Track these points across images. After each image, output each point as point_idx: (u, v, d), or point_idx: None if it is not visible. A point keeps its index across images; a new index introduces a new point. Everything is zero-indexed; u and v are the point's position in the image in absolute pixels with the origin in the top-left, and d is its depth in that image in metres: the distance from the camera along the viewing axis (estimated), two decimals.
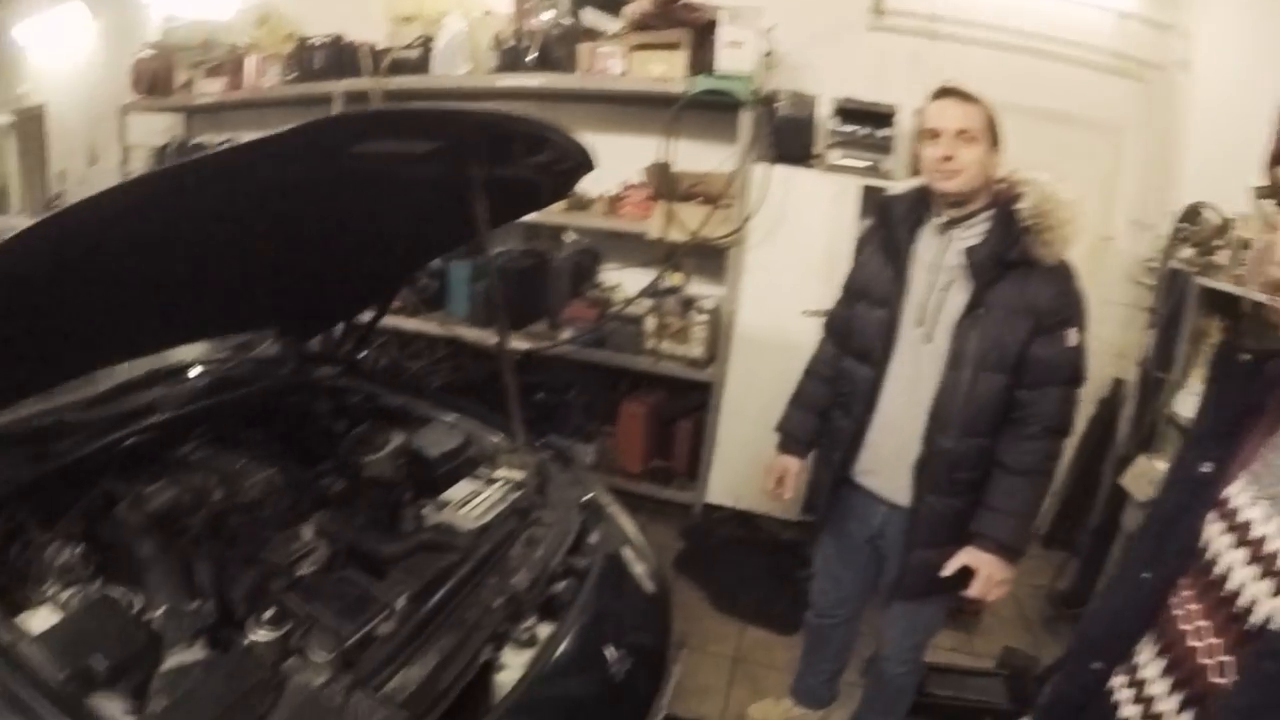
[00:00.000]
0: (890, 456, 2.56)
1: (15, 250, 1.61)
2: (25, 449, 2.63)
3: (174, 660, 2.05)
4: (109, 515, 2.50)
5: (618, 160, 4.14)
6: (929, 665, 3.09)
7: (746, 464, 4.40)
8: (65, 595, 2.22)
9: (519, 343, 4.57)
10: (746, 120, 4.14)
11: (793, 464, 2.89)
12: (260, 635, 2.06)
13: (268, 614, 2.09)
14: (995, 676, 3.40)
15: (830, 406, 2.77)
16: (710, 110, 4.27)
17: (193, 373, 3.36)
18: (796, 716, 3.28)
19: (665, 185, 4.26)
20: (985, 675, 3.41)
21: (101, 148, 7.21)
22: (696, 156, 4.39)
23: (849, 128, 4.07)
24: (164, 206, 1.73)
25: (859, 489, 2.70)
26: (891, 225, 2.54)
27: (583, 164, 2.71)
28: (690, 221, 4.20)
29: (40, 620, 2.11)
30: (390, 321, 4.91)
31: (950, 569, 2.49)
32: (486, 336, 4.72)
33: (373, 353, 5.05)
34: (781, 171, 4.07)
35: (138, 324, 2.59)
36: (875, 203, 2.67)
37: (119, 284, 2.11)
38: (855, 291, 2.65)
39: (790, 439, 2.90)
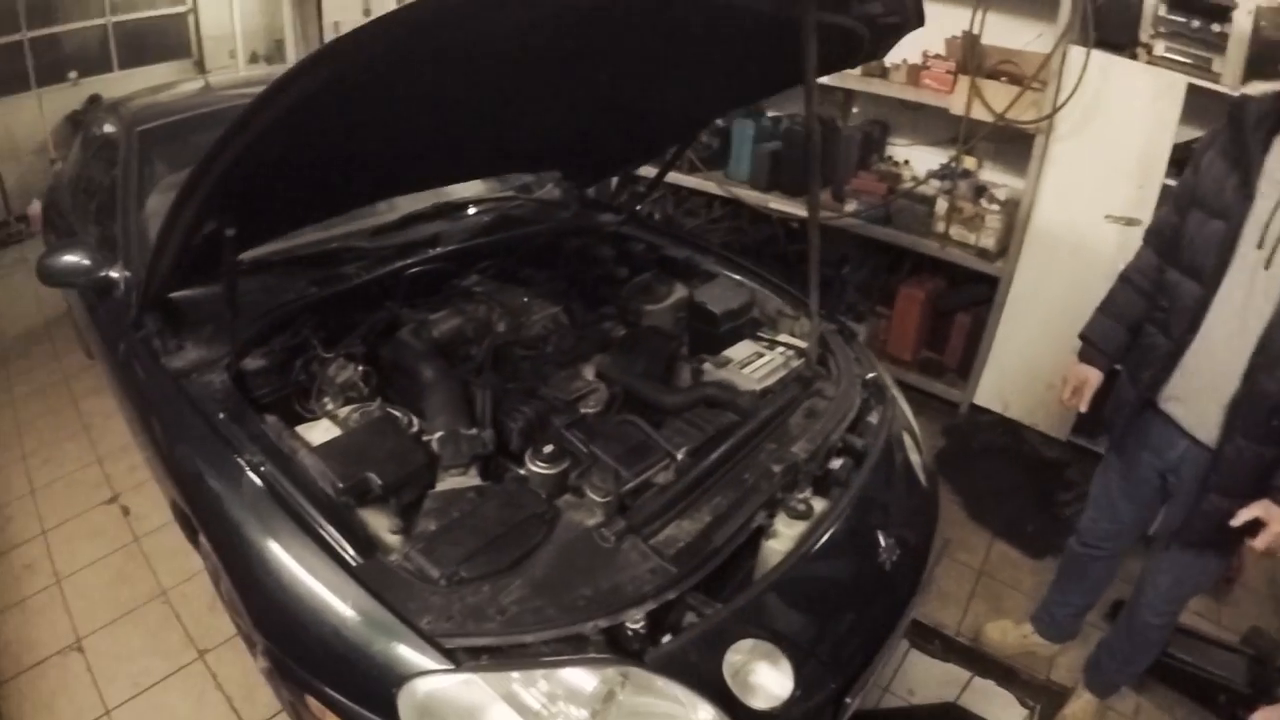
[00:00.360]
0: (1204, 387, 2.21)
1: (316, 67, 1.57)
2: (314, 271, 2.74)
3: (448, 483, 2.08)
4: (392, 338, 2.59)
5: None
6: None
7: (1022, 370, 4.14)
8: (344, 411, 2.30)
9: (798, 210, 4.42)
10: None
11: (1093, 376, 2.55)
12: (538, 468, 2.07)
13: (547, 448, 2.09)
14: (1238, 654, 3.05)
15: (1143, 320, 2.42)
16: None
17: (476, 209, 3.41)
18: (1032, 645, 3.07)
19: (972, 59, 3.90)
20: (1229, 650, 3.06)
21: (376, 0, 7.38)
22: (1007, 32, 3.97)
23: (1179, 17, 3.53)
24: (477, 24, 1.63)
25: (1161, 416, 2.37)
26: (1242, 131, 2.14)
27: (910, 20, 2.47)
28: (996, 101, 3.78)
29: (319, 433, 2.19)
30: (668, 176, 4.88)
31: (1241, 519, 2.16)
32: (766, 200, 4.56)
33: (647, 206, 5.01)
34: (1099, 58, 3.59)
35: (427, 156, 2.59)
36: (1228, 104, 2.28)
37: (412, 112, 2.08)
38: (1191, 199, 2.28)
39: (1093, 349, 2.56)
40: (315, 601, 1.78)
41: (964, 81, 3.89)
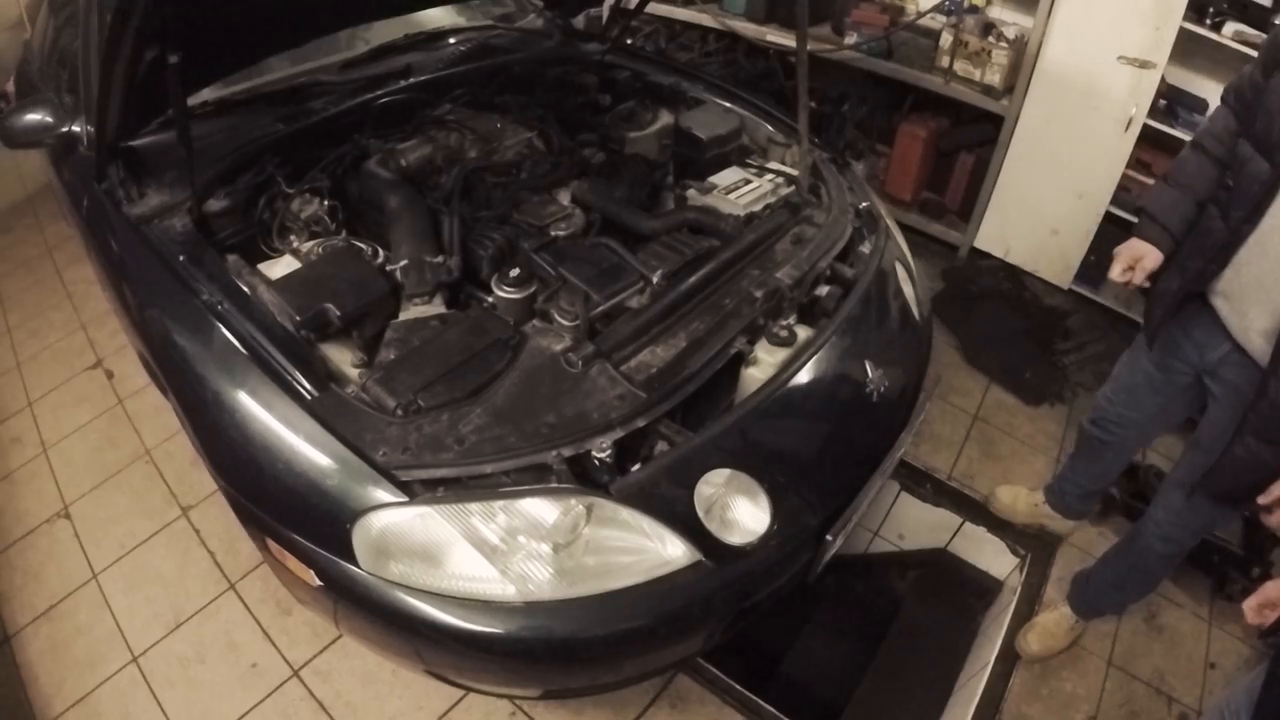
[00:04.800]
0: (1255, 286, 1.92)
1: None
2: (281, 109, 2.64)
3: (411, 312, 2.01)
4: (359, 170, 2.47)
5: None
6: None
7: (1025, 214, 4.01)
8: (307, 246, 2.21)
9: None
10: None
11: (1150, 255, 2.16)
12: (504, 293, 1.99)
13: (514, 272, 2.00)
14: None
15: (1212, 195, 2.08)
16: None
17: (453, 40, 3.26)
18: (1043, 515, 2.95)
19: None
20: None
21: None
22: None
23: None
24: None
25: (1208, 310, 2.09)
26: None
27: None
28: None
29: (280, 269, 2.10)
30: (659, 9, 4.66)
31: (1273, 495, 1.88)
32: (762, 33, 4.33)
33: (639, 40, 4.84)
34: None
35: None
36: None
37: None
38: (1276, 60, 1.92)
39: (1153, 223, 2.18)
40: (270, 439, 1.73)
41: None
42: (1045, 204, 3.88)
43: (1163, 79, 3.38)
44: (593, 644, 1.65)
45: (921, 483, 3.08)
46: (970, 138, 4.14)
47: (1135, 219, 2.35)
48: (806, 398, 1.98)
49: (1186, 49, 3.32)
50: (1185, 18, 3.23)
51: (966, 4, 3.91)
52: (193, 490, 2.99)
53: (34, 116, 2.66)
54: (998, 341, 3.76)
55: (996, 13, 4.03)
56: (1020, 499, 2.99)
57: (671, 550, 1.66)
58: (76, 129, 2.62)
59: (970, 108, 3.96)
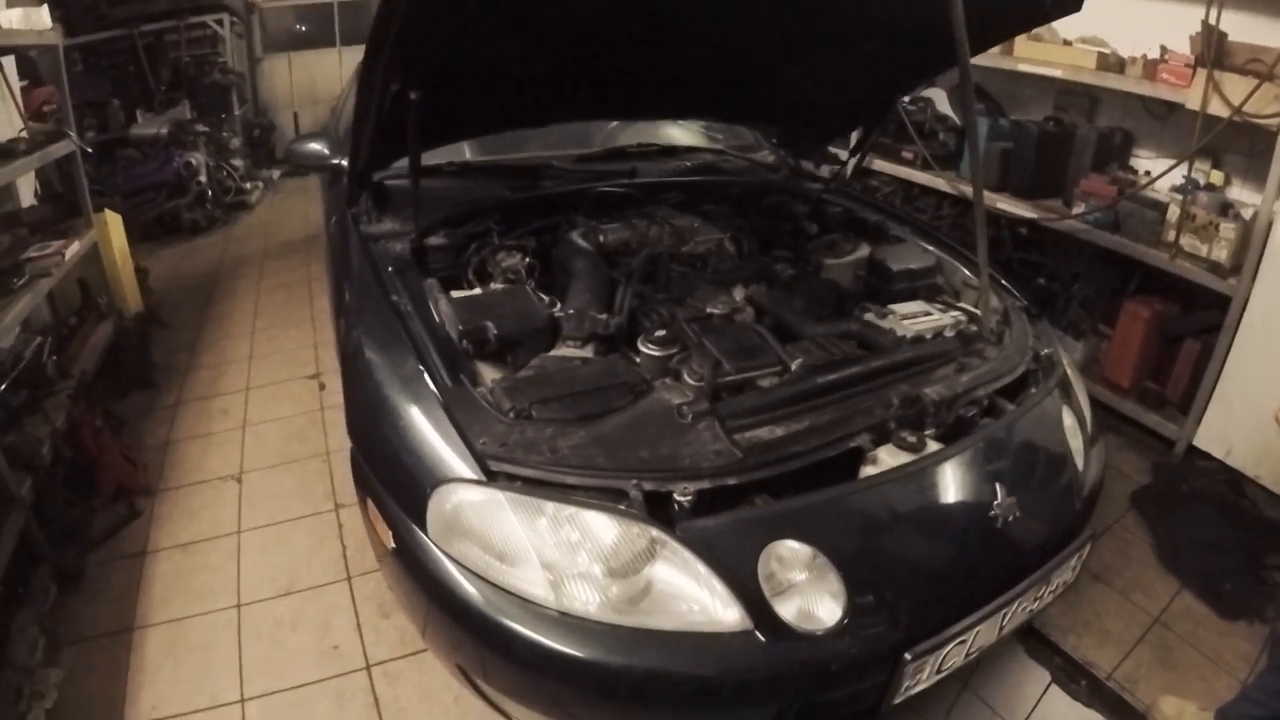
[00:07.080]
0: None
1: None
2: (512, 179, 3.03)
3: (562, 351, 2.15)
4: (564, 241, 2.71)
5: (1158, 22, 3.74)
6: None
7: (1251, 411, 3.48)
8: (497, 286, 2.47)
9: (1025, 212, 4.19)
10: None
11: None
12: (647, 349, 2.10)
13: (659, 332, 2.12)
14: None
15: None
16: None
17: (685, 155, 3.57)
18: None
19: (1213, 52, 3.43)
20: None
21: None
22: (1253, 29, 3.52)
23: None
24: None
25: None
26: None
27: None
28: (1235, 95, 3.34)
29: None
30: (899, 171, 4.87)
31: None
32: (995, 200, 4.27)
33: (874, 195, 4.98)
34: None
35: (643, 83, 2.69)
36: None
37: (632, 37, 2.23)
38: None
39: None
40: (398, 407, 1.92)
41: (1201, 75, 3.51)
42: (1276, 400, 3.48)
43: None
44: (617, 673, 1.62)
45: (1076, 678, 2.76)
46: (1197, 323, 3.85)
47: None
48: (920, 502, 1.89)
49: None
50: None
51: (1206, 183, 3.78)
52: (352, 494, 3.17)
53: (313, 146, 3.24)
54: (1200, 547, 3.34)
55: (1236, 193, 3.85)
56: (1186, 714, 2.56)
57: (726, 612, 1.63)
58: (343, 163, 3.02)
59: (1201, 292, 3.70)
